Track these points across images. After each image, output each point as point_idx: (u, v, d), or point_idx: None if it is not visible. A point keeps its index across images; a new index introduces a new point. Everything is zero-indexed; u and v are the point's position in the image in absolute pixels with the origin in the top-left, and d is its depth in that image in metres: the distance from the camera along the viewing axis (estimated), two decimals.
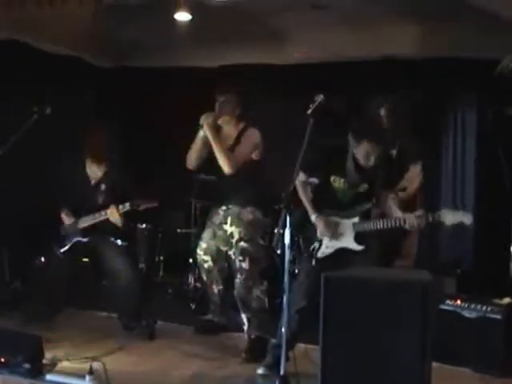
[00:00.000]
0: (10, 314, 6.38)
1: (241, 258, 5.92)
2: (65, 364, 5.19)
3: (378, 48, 7.82)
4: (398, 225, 4.98)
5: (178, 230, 8.42)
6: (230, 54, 8.59)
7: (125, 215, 6.17)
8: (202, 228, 6.58)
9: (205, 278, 6.32)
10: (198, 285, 7.62)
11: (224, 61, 8.77)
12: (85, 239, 6.45)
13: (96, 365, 4.82)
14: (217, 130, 5.97)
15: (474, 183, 8.15)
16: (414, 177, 6.30)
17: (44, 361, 5.05)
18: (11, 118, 6.03)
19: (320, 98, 4.80)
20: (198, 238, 6.51)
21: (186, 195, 8.24)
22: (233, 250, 6.00)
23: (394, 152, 6.17)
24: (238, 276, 5.96)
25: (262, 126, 6.17)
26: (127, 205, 6.09)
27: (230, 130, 6.09)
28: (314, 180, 5.36)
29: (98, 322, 6.79)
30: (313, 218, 5.22)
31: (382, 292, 3.82)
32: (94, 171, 6.54)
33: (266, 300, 6.81)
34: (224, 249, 6.13)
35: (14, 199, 7.16)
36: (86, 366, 4.83)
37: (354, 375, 3.88)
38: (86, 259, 6.93)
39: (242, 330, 6.06)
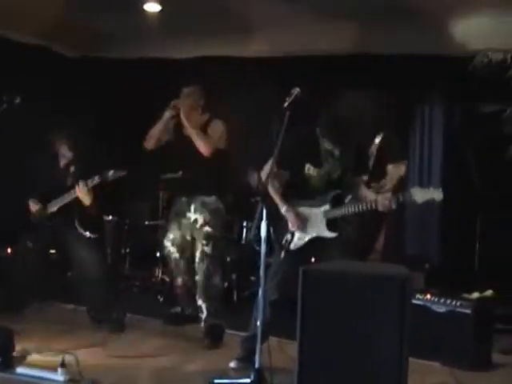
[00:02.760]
0: None
1: (204, 242, 5.99)
2: (35, 357, 5.14)
3: (345, 43, 7.85)
4: (369, 207, 4.96)
5: (146, 223, 8.39)
6: (201, 45, 8.57)
7: (94, 192, 6.13)
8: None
9: (172, 268, 6.35)
10: (166, 278, 7.62)
11: (195, 52, 8.75)
12: (54, 228, 6.36)
13: (68, 357, 4.79)
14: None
15: (441, 178, 8.23)
16: (394, 176, 6.34)
17: (14, 353, 5.02)
18: None
19: (296, 91, 4.83)
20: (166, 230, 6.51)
21: (152, 187, 8.21)
22: (196, 235, 6.06)
23: (375, 145, 6.22)
24: (200, 261, 6.01)
25: (227, 118, 6.27)
26: (96, 178, 6.05)
27: (194, 119, 6.11)
28: (284, 173, 5.35)
29: (66, 314, 6.77)
30: (283, 210, 5.22)
31: (360, 286, 3.82)
32: (64, 152, 6.47)
33: (235, 293, 6.91)
34: (189, 238, 6.16)
35: None
36: (57, 358, 4.80)
37: (331, 369, 3.88)
38: (53, 251, 6.89)
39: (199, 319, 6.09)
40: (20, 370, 4.81)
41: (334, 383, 3.87)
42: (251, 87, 8.21)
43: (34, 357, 5.14)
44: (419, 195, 4.73)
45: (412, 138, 8.43)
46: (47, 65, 8.50)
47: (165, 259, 6.70)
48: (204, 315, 6.03)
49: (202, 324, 6.04)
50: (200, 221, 6.03)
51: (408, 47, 7.62)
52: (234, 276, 7.35)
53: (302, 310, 3.94)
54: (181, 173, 6.39)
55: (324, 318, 3.91)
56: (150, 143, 6.18)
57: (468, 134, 7.34)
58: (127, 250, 8.46)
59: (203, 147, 5.93)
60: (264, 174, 5.19)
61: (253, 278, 7.48)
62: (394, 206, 4.86)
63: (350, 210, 5.04)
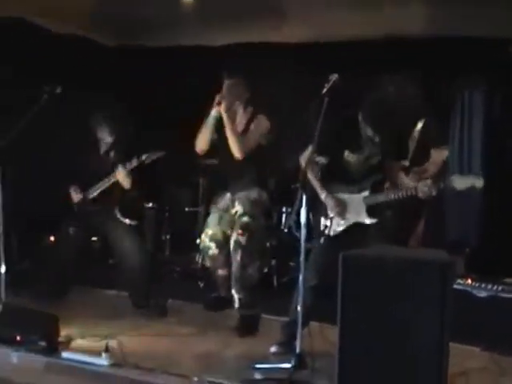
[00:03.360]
0: (20, 293, 6.39)
1: (240, 231, 5.93)
2: (79, 342, 5.26)
3: (384, 27, 7.81)
4: (409, 194, 4.97)
5: (186, 209, 8.45)
6: (237, 31, 8.58)
7: (133, 176, 6.21)
8: (209, 207, 6.63)
9: (208, 263, 6.35)
10: (206, 264, 7.67)
11: (232, 39, 8.76)
12: (97, 212, 6.46)
13: (111, 343, 4.87)
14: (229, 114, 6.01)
15: (481, 163, 8.19)
16: (437, 160, 6.32)
17: (59, 339, 5.12)
18: (22, 99, 6.00)
19: (334, 77, 4.83)
20: (206, 216, 6.55)
21: (193, 174, 8.27)
22: (234, 226, 6.03)
23: (417, 131, 6.21)
24: (234, 251, 5.96)
25: (268, 106, 6.27)
26: (134, 160, 6.12)
27: (238, 115, 6.13)
28: (322, 159, 5.36)
29: (108, 300, 6.89)
30: (322, 196, 5.25)
31: (401, 271, 3.84)
32: (104, 138, 6.54)
33: (274, 278, 6.94)
34: (229, 232, 6.11)
35: (22, 180, 7.15)
36: (101, 344, 4.90)
37: (371, 353, 3.91)
38: (94, 238, 6.98)
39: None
40: (65, 354, 4.92)
41: (375, 368, 3.90)
42: (289, 73, 8.20)
43: (78, 342, 5.26)
44: (459, 182, 4.72)
45: (452, 124, 8.39)
46: (86, 54, 8.56)
47: (202, 253, 6.73)
48: (236, 305, 6.01)
49: (237, 313, 6.04)
50: (240, 211, 6.01)
51: (447, 30, 7.57)
52: (273, 262, 7.38)
53: (342, 296, 3.97)
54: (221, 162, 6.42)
55: (364, 303, 3.94)
56: (201, 147, 6.17)
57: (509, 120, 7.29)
58: (167, 237, 8.54)
59: (237, 151, 5.91)
60: (303, 160, 5.22)
61: (292, 264, 7.50)
62: (434, 193, 4.86)
63: (390, 196, 5.04)
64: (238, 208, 6.04)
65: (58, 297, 6.45)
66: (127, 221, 6.36)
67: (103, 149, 6.57)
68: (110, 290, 7.14)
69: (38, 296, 6.35)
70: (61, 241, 6.71)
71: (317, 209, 5.21)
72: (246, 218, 5.95)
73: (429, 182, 4.89)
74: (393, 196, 5.01)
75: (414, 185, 4.96)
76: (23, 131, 5.76)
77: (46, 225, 7.14)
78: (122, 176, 6.18)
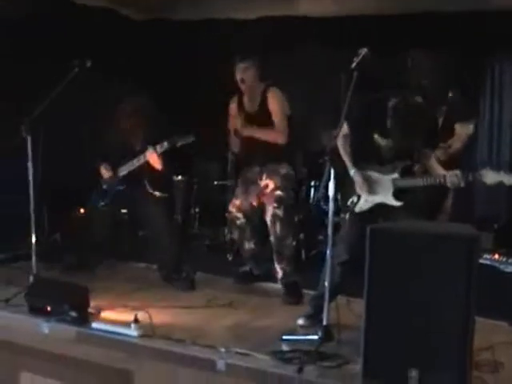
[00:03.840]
0: (51, 265, 6.48)
1: (276, 205, 6.04)
2: (109, 313, 5.35)
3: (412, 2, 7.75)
4: (438, 182, 4.98)
5: (215, 182, 8.49)
6: (264, 5, 8.56)
7: (163, 156, 6.23)
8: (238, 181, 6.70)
9: (236, 235, 6.49)
10: (235, 237, 7.73)
11: (259, 13, 8.74)
12: (125, 188, 6.50)
13: (141, 314, 4.94)
14: (246, 117, 6.25)
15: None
16: (462, 135, 6.30)
17: (89, 309, 5.20)
18: (51, 73, 6.05)
19: (364, 51, 4.79)
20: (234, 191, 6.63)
21: (220, 147, 8.29)
22: (266, 199, 6.14)
23: (444, 109, 6.19)
24: (272, 224, 6.08)
25: (284, 83, 6.36)
26: (165, 144, 6.13)
27: (253, 93, 6.25)
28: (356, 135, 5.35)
29: (138, 272, 6.95)
30: (351, 172, 5.22)
31: (427, 245, 3.87)
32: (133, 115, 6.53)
33: (303, 252, 7.00)
34: (256, 204, 6.25)
35: (53, 154, 7.23)
36: (130, 315, 4.97)
37: (397, 328, 3.95)
38: (124, 211, 7.04)
39: (277, 280, 6.19)
40: (95, 325, 5.00)
41: (400, 340, 3.94)
42: (316, 48, 8.20)
43: (108, 313, 5.34)
44: (489, 177, 4.71)
45: (482, 98, 8.34)
46: (114, 28, 8.57)
47: (230, 225, 6.79)
48: (280, 275, 6.11)
49: (279, 283, 6.14)
50: (271, 185, 6.11)
51: (477, 3, 7.50)
52: (301, 235, 7.40)
53: (369, 269, 4.01)
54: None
55: (391, 276, 3.98)
56: (235, 146, 6.53)
57: None
58: (196, 210, 8.59)
59: (278, 139, 6.10)
60: (334, 134, 5.22)
61: (320, 237, 7.54)
62: (462, 185, 4.86)
63: (418, 182, 5.03)
64: (268, 182, 6.12)
65: (88, 269, 6.54)
66: (157, 193, 6.39)
67: (134, 128, 6.52)
68: (139, 262, 7.22)
69: (69, 268, 6.48)
70: (91, 214, 6.77)
71: (345, 184, 5.20)
72: (279, 192, 6.07)
73: (458, 172, 4.87)
74: (422, 182, 5.00)
75: (444, 173, 4.95)
76: (54, 104, 5.81)
77: (75, 197, 7.17)
78: (153, 158, 6.22)
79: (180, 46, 9.03)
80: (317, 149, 7.53)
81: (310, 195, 7.69)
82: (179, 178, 8.39)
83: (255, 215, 6.30)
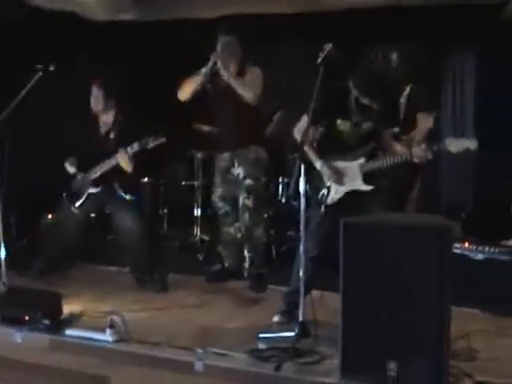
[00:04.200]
0: (19, 272, 6.40)
1: (245, 195, 6.13)
2: (83, 319, 5.29)
3: None
4: (405, 159, 5.01)
5: (183, 183, 8.44)
6: (230, 3, 8.50)
7: (134, 157, 6.18)
8: (208, 179, 6.68)
9: (222, 223, 6.52)
10: (205, 237, 7.71)
11: (223, 11, 8.68)
12: (97, 191, 6.43)
13: (115, 318, 4.89)
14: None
15: (474, 128, 8.24)
16: (423, 128, 6.33)
17: (62, 316, 5.15)
18: (15, 77, 5.98)
19: (328, 46, 4.84)
20: (205, 189, 6.62)
21: (186, 148, 8.26)
22: (238, 188, 6.21)
23: (404, 97, 6.22)
24: (242, 214, 6.19)
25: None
26: (135, 145, 6.09)
27: (233, 70, 6.21)
28: (319, 129, 5.36)
29: (109, 276, 6.89)
30: (318, 164, 5.24)
31: (402, 237, 3.88)
32: (104, 119, 6.51)
33: (273, 248, 6.99)
34: (235, 193, 6.32)
35: (20, 159, 7.14)
36: (104, 320, 4.93)
37: (373, 321, 3.95)
38: (93, 214, 6.97)
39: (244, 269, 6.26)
40: (69, 331, 4.94)
41: (377, 334, 3.95)
42: (281, 44, 8.19)
43: (81, 319, 5.28)
44: (454, 145, 4.77)
45: (443, 89, 8.41)
46: (77, 31, 8.47)
47: (215, 216, 6.77)
48: (247, 265, 6.20)
49: (245, 274, 6.19)
50: (241, 174, 6.17)
51: None
52: (271, 232, 7.39)
53: (344, 263, 4.01)
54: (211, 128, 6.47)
55: (366, 270, 3.98)
56: (185, 95, 6.28)
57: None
58: (164, 211, 8.54)
59: (247, 94, 6.02)
60: (299, 129, 5.22)
61: (290, 233, 7.53)
62: (429, 157, 4.89)
63: (386, 163, 5.07)
64: (238, 170, 6.17)
65: (58, 274, 6.49)
66: (127, 196, 6.35)
67: (103, 129, 6.51)
68: (110, 266, 7.15)
69: (38, 274, 6.41)
70: (61, 218, 6.69)
71: (313, 178, 5.19)
72: (249, 181, 6.15)
73: (423, 146, 4.92)
74: (389, 162, 5.04)
75: (409, 151, 4.98)
76: (20, 107, 5.74)
77: (43, 202, 7.10)
78: (123, 160, 6.16)
79: (147, 47, 8.94)
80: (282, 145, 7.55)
81: (278, 192, 7.66)
82: (146, 179, 8.31)
83: (236, 202, 6.35)
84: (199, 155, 8.09)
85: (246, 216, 6.16)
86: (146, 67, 8.91)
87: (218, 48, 6.10)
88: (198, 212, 7.94)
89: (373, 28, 7.56)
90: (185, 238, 8.09)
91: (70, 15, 8.31)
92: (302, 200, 4.66)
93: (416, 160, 4.95)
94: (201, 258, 7.40)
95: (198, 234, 7.88)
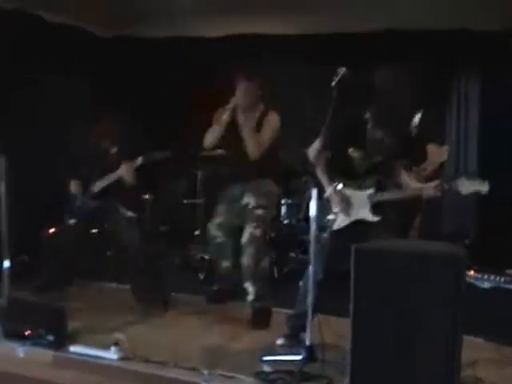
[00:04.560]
0: (19, 287, 6.38)
1: (255, 224, 6.01)
2: (86, 336, 5.29)
3: (383, 20, 7.82)
4: (414, 195, 5.05)
5: (185, 201, 8.46)
6: (237, 23, 8.56)
7: (137, 173, 6.22)
8: (209, 199, 6.66)
9: (213, 252, 6.47)
10: (206, 256, 7.71)
11: (230, 31, 8.74)
12: (98, 206, 6.46)
13: (119, 336, 4.90)
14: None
15: (478, 153, 8.28)
16: (435, 161, 6.35)
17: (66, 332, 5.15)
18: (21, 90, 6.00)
19: (342, 70, 4.87)
20: (206, 208, 6.59)
21: (189, 166, 8.27)
22: (246, 217, 6.09)
23: (415, 127, 6.24)
24: (248, 244, 6.02)
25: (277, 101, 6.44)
26: (140, 159, 6.14)
27: (251, 112, 6.18)
28: (327, 152, 5.38)
29: (111, 293, 6.94)
30: (328, 190, 5.24)
31: (415, 264, 3.88)
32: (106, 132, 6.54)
33: (275, 270, 6.99)
34: (238, 222, 6.21)
35: (20, 173, 7.14)
36: (108, 337, 4.94)
37: (383, 347, 3.95)
38: (94, 230, 6.98)
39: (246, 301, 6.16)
40: (73, 348, 4.95)
41: (387, 359, 3.94)
42: (291, 66, 8.24)
43: (85, 335, 5.28)
44: (465, 187, 4.76)
45: (450, 119, 8.45)
46: (82, 45, 8.51)
47: (206, 241, 6.74)
48: (251, 298, 6.06)
49: (250, 306, 6.08)
50: (252, 203, 6.09)
51: (446, 22, 7.60)
52: (273, 254, 7.40)
53: (355, 289, 4.01)
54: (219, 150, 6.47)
55: (377, 296, 3.98)
56: (209, 144, 6.27)
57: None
58: (164, 229, 8.54)
59: (253, 150, 6.01)
60: (312, 153, 5.24)
61: (292, 255, 7.56)
62: (439, 195, 4.93)
63: (395, 195, 5.07)
64: (249, 200, 6.11)
65: (59, 290, 6.46)
66: (129, 213, 6.36)
67: (105, 143, 6.54)
68: (109, 282, 7.18)
69: (39, 289, 6.39)
70: (62, 232, 6.68)
71: (321, 202, 5.21)
72: (260, 211, 6.05)
73: (434, 183, 4.94)
74: (399, 195, 5.06)
75: (421, 186, 5.01)
76: (24, 121, 5.75)
77: (44, 215, 7.09)
78: (127, 174, 6.22)
79: (150, 63, 8.99)
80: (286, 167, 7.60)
81: (280, 213, 7.69)
82: (146, 196, 8.33)
83: (235, 234, 6.24)
84: (202, 174, 8.12)
85: (253, 247, 6.00)
86: (150, 81, 8.94)
87: (239, 93, 6.08)
88: (198, 231, 7.91)
89: (380, 52, 7.61)
90: (185, 256, 8.09)
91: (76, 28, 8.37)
92: (313, 224, 4.67)
93: (426, 196, 4.98)
94: (202, 277, 7.41)
95: (199, 252, 7.87)
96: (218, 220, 6.24)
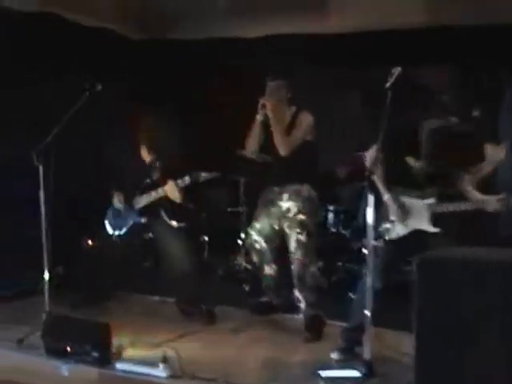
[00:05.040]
0: (54, 301, 6.29)
1: (299, 230, 5.93)
2: (132, 351, 5.18)
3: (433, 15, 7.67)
4: (478, 208, 4.90)
5: (229, 209, 8.36)
6: (274, 23, 8.47)
7: (184, 190, 6.14)
8: (252, 207, 6.57)
9: (256, 259, 6.30)
10: (249, 266, 7.59)
11: (268, 30, 8.64)
12: (141, 220, 6.38)
13: (167, 351, 4.80)
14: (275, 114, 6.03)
15: None
16: (493, 161, 6.20)
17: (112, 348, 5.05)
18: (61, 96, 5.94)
19: (397, 70, 4.73)
20: (249, 217, 6.50)
21: (231, 173, 8.16)
22: (288, 223, 6.00)
23: (470, 129, 6.11)
24: (295, 251, 5.95)
25: (311, 103, 6.27)
26: (187, 178, 6.06)
27: (282, 114, 6.10)
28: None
29: (153, 306, 6.82)
30: (385, 197, 5.12)
31: (483, 273, 3.74)
32: (147, 155, 6.48)
33: (323, 279, 6.87)
34: (278, 227, 6.11)
35: (63, 182, 7.10)
36: (155, 353, 4.84)
37: (448, 362, 3.82)
38: (137, 241, 6.91)
39: (298, 310, 6.04)
40: (119, 365, 4.85)
41: (452, 375, 3.81)
42: (331, 67, 8.13)
43: (131, 351, 5.18)
44: None
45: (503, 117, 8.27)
46: (114, 48, 8.46)
47: (248, 248, 6.65)
48: (303, 306, 5.96)
49: (302, 316, 5.98)
50: (293, 209, 5.98)
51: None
52: (320, 263, 7.26)
53: (418, 302, 3.89)
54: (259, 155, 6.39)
55: (442, 308, 3.85)
56: (251, 150, 6.21)
57: None
58: (206, 238, 8.46)
59: (282, 149, 5.93)
60: (369, 158, 5.11)
61: (339, 264, 7.43)
62: (504, 209, 4.79)
63: (458, 208, 4.93)
64: (289, 205, 6.01)
65: (98, 304, 6.39)
66: (174, 223, 6.27)
67: (150, 158, 6.48)
68: (151, 295, 7.09)
69: (76, 304, 6.29)
70: (102, 245, 6.63)
71: (378, 210, 5.08)
72: (301, 216, 5.95)
73: (500, 196, 4.80)
74: (462, 207, 4.91)
75: (485, 198, 4.87)
76: (65, 130, 5.68)
77: (82, 226, 7.04)
78: (173, 193, 6.17)
79: (185, 68, 8.92)
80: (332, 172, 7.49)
81: (327, 220, 7.57)
82: (189, 205, 8.22)
83: (276, 238, 6.16)
84: (243, 181, 8.02)
85: (300, 253, 5.93)
86: (186, 88, 8.87)
87: (267, 93, 6.05)
88: (242, 240, 7.81)
89: (431, 50, 7.46)
90: (228, 267, 8.00)
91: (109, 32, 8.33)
92: (370, 232, 4.54)
93: (490, 210, 4.84)
94: (246, 288, 7.31)
95: (243, 263, 7.77)
96: (258, 225, 6.15)
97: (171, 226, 6.29)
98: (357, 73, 7.12)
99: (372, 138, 4.78)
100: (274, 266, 6.21)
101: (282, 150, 5.93)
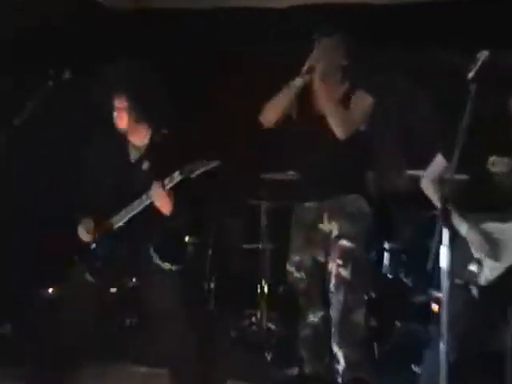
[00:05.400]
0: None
1: (340, 261, 5.94)
2: None
3: None
4: None
5: (245, 246, 8.39)
6: None
7: (173, 196, 5.90)
8: (279, 241, 6.59)
9: (301, 303, 6.35)
10: (272, 325, 7.62)
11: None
12: (121, 251, 6.26)
13: None
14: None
15: None
16: None
17: None
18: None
19: (484, 55, 4.74)
20: (274, 254, 6.51)
21: (248, 197, 8.21)
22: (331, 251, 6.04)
23: None
24: (335, 289, 5.98)
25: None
26: (176, 174, 5.78)
27: (333, 87, 6.14)
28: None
29: (139, 380, 6.86)
30: (463, 229, 5.14)
31: None
32: (134, 143, 6.35)
33: (375, 344, 6.89)
34: (323, 259, 6.14)
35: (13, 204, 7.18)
36: None
37: None
38: (113, 289, 6.92)
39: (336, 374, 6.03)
40: None
41: None
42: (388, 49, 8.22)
43: None
44: None
45: None
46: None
47: (275, 296, 6.68)
48: (341, 367, 5.97)
49: (339, 380, 5.97)
50: (334, 231, 6.01)
51: None
52: (372, 321, 7.29)
53: None
54: (291, 173, 6.40)
55: None
56: (269, 119, 6.23)
57: None
58: (211, 285, 8.48)
59: (340, 128, 5.94)
60: (431, 175, 5.13)
61: (398, 324, 7.44)
62: None
63: None
64: (330, 226, 6.01)
65: (66, 373, 6.32)
66: (167, 265, 6.25)
67: (133, 156, 6.37)
68: (138, 365, 7.10)
69: (34, 376, 6.28)
70: (69, 291, 6.55)
71: (455, 246, 5.09)
72: (345, 242, 5.99)
73: None
74: None
75: None
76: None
77: (41, 271, 7.09)
78: (159, 197, 5.85)
79: (197, 41, 9.04)
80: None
81: (382, 262, 7.59)
82: (187, 238, 8.25)
83: (321, 273, 6.19)
84: (266, 206, 8.03)
85: (341, 293, 5.96)
86: (192, 71, 8.95)
87: (316, 52, 6.04)
88: (263, 288, 7.82)
89: None
90: (242, 325, 8.02)
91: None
92: (445, 279, 4.56)
93: None
94: (269, 357, 7.32)
95: (265, 320, 7.78)
96: (296, 257, 6.18)
97: (162, 268, 6.25)
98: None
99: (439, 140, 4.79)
100: (320, 312, 6.24)
101: (341, 132, 5.95)
